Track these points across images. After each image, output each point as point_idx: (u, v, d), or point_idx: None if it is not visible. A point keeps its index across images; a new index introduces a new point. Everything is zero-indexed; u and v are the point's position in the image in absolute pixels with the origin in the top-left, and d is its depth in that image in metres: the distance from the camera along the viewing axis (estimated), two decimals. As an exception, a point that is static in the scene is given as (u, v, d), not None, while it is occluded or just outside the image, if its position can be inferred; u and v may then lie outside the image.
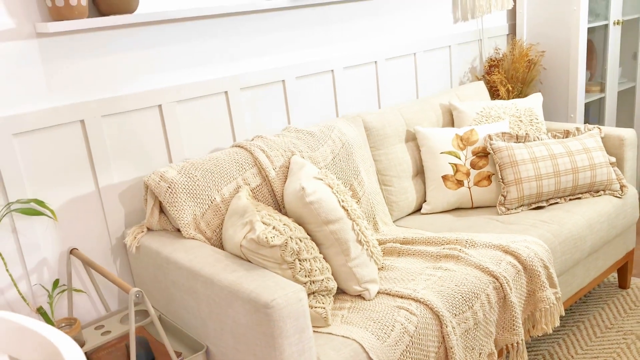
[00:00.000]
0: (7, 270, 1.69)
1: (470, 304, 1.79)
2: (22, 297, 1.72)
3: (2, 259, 1.68)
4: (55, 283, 1.80)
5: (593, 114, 3.51)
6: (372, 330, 1.61)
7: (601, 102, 3.38)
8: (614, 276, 2.79)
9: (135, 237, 1.90)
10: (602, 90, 3.34)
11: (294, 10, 2.34)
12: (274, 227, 1.61)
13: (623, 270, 2.65)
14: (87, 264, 1.76)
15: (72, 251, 1.85)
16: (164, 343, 1.63)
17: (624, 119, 3.64)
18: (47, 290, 1.79)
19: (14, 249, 1.79)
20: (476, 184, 2.41)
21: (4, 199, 1.75)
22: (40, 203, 1.75)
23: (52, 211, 1.74)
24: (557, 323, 2.02)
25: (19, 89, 1.74)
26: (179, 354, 1.70)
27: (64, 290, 1.83)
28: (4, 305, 1.78)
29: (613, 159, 2.43)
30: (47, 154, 1.81)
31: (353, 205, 1.82)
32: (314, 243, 1.72)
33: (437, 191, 2.43)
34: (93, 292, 1.96)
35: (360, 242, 1.79)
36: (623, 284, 2.67)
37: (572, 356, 2.24)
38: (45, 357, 1.01)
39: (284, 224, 1.65)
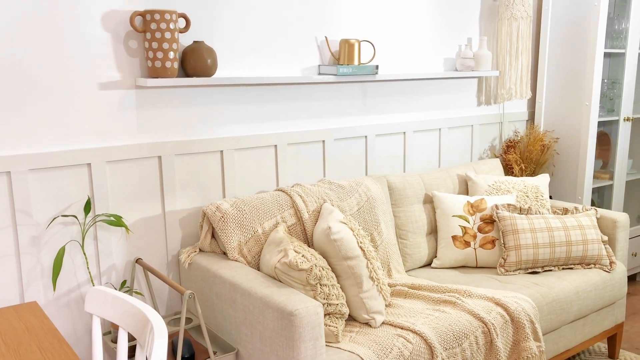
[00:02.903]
0: (88, 268, 2.11)
1: (460, 342, 2.12)
2: (96, 292, 2.13)
3: (86, 258, 2.11)
4: (123, 283, 2.21)
5: (602, 198, 3.83)
6: (373, 350, 1.95)
7: (609, 188, 3.70)
8: (605, 346, 3.04)
9: (189, 255, 2.32)
10: (611, 178, 3.68)
11: (338, 84, 2.81)
12: (302, 255, 2.00)
13: (612, 341, 2.91)
14: (150, 271, 2.17)
15: (138, 260, 2.27)
16: (204, 342, 2.01)
17: (632, 206, 3.94)
18: (115, 289, 2.20)
19: (93, 254, 2.22)
20: (481, 246, 2.76)
21: (93, 212, 2.20)
22: (118, 218, 2.19)
23: (126, 226, 2.18)
24: (538, 372, 2.32)
25: (116, 126, 2.22)
26: (214, 353, 2.07)
27: (127, 291, 2.24)
28: (81, 296, 2.20)
29: (605, 238, 2.75)
30: (129, 180, 2.27)
31: (369, 247, 2.20)
32: (333, 274, 2.10)
33: (446, 249, 2.79)
34: (148, 297, 2.36)
35: (372, 278, 2.16)
36: (612, 354, 2.93)
37: (553, 409, 2.50)
38: (135, 322, 1.40)
39: (311, 254, 2.04)
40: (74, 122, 2.12)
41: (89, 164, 2.17)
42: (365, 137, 2.95)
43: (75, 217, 2.14)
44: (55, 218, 2.07)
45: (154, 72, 2.19)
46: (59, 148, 2.10)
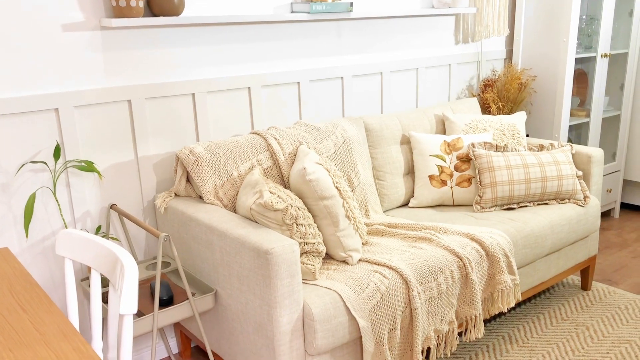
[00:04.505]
0: (62, 215, 2.09)
1: (436, 277, 2.16)
2: (71, 238, 2.11)
3: (59, 205, 2.08)
4: (98, 229, 2.19)
5: (579, 136, 3.85)
6: (350, 286, 1.98)
7: (586, 126, 3.72)
8: (578, 279, 3.13)
9: (164, 200, 2.30)
10: (588, 115, 3.69)
11: (312, 23, 2.74)
12: (278, 196, 1.99)
13: (585, 273, 2.98)
14: (125, 216, 2.16)
15: (112, 206, 2.25)
16: (182, 284, 2.01)
17: (608, 143, 3.98)
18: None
19: (66, 200, 2.19)
20: (458, 184, 2.78)
21: (63, 158, 2.15)
22: (89, 164, 2.15)
23: (98, 172, 2.14)
24: (512, 304, 2.37)
25: (83, 70, 2.15)
26: (192, 294, 2.09)
27: (103, 236, 2.22)
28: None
29: (580, 173, 2.78)
30: (99, 125, 2.22)
31: (345, 187, 2.19)
32: (310, 214, 2.10)
33: (423, 188, 2.80)
34: (125, 242, 2.35)
35: (348, 217, 2.16)
36: (585, 285, 3.01)
37: (527, 339, 2.58)
38: (106, 263, 1.40)
39: (287, 195, 2.03)
40: (39, 65, 2.05)
41: (57, 109, 2.11)
42: (342, 78, 2.90)
43: (45, 163, 2.10)
44: (24, 165, 2.03)
45: (119, 12, 2.11)
46: (25, 93, 2.04)
